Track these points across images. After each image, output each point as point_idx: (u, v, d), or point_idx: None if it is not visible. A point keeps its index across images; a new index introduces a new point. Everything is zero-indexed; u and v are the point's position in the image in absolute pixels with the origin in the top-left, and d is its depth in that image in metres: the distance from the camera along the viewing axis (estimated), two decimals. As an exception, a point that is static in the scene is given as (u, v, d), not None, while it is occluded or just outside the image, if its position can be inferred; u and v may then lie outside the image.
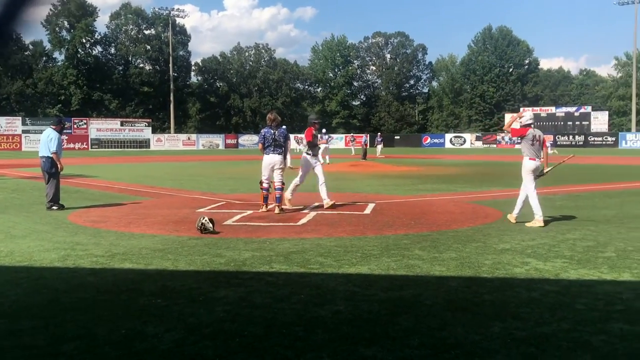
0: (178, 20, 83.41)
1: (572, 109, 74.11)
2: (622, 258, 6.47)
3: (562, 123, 71.14)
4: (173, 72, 79.95)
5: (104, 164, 31.97)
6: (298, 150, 47.06)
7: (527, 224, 8.78)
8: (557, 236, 7.88)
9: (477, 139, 74.33)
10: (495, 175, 21.26)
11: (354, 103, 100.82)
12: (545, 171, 9.35)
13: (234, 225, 8.93)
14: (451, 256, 6.57)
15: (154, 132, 69.91)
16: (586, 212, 10.36)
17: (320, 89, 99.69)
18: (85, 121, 63.16)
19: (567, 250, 6.94)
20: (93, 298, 4.97)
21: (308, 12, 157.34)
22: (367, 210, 10.61)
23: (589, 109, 73.03)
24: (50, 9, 76.19)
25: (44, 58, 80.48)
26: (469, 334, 3.97)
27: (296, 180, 11.18)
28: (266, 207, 10.50)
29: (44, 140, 11.24)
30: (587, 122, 70.16)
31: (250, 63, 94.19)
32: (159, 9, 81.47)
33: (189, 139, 69.98)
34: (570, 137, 67.89)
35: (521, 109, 67.54)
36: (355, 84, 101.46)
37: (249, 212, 10.39)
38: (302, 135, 12.55)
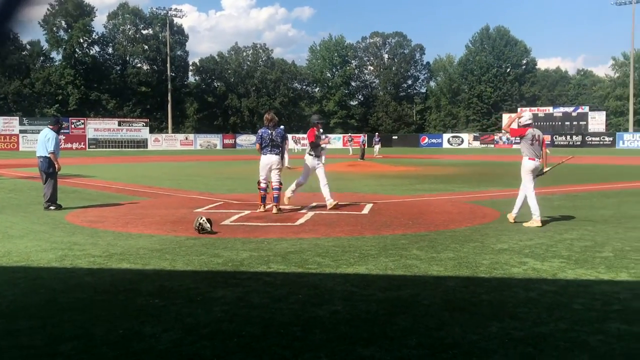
0: (176, 20, 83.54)
1: (569, 109, 74.18)
2: (619, 258, 6.48)
3: (559, 123, 71.22)
4: (171, 72, 79.96)
5: (102, 164, 31.94)
6: (296, 151, 47.23)
7: (525, 224, 8.79)
8: (555, 236, 7.89)
9: (475, 139, 74.44)
10: (493, 175, 21.29)
11: (351, 103, 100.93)
12: (544, 171, 9.36)
13: (231, 226, 8.93)
14: (449, 256, 6.58)
15: (151, 132, 69.95)
16: (584, 212, 10.37)
17: (318, 89, 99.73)
18: (82, 121, 63.15)
19: (565, 250, 6.94)
20: (90, 298, 4.96)
21: (306, 12, 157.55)
22: (365, 210, 10.61)
23: (586, 109, 73.11)
24: (48, 9, 76.25)
25: (42, 58, 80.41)
26: (467, 334, 3.97)
27: (299, 179, 11.13)
28: (264, 207, 10.50)
29: (42, 140, 11.22)
30: (585, 122, 70.23)
31: (248, 63, 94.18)
32: (156, 8, 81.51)
33: (186, 138, 69.98)
34: (568, 137, 67.97)
35: (519, 109, 67.51)
36: (353, 84, 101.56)
37: (247, 212, 10.38)
38: (300, 136, 12.53)
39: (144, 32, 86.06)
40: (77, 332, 4.05)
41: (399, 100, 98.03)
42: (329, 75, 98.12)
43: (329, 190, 10.78)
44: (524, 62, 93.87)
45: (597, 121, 70.61)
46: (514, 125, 9.81)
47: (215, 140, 71.33)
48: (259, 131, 10.75)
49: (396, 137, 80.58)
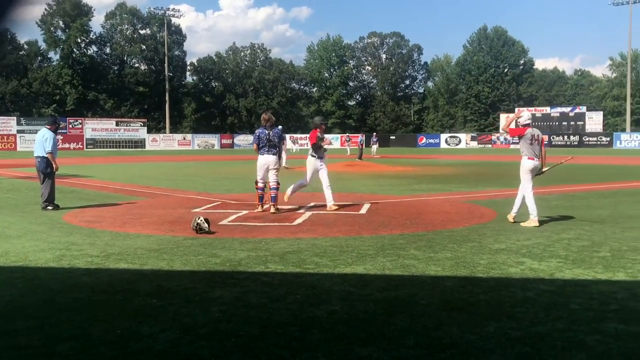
0: (173, 20, 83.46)
1: (566, 109, 74.30)
2: (616, 258, 6.49)
3: (556, 123, 71.30)
4: (168, 72, 79.92)
5: (99, 164, 31.90)
6: (294, 151, 47.16)
7: (522, 224, 8.81)
8: (552, 236, 7.90)
9: (473, 139, 74.50)
10: (491, 175, 21.31)
11: (349, 103, 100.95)
12: (543, 170, 9.37)
13: (229, 225, 8.92)
14: (447, 256, 6.58)
15: (149, 132, 69.88)
16: (581, 212, 10.39)
17: (315, 89, 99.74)
18: (80, 121, 63.05)
19: (562, 250, 6.95)
20: (88, 298, 4.96)
21: (303, 12, 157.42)
22: (363, 210, 10.62)
23: (583, 109, 73.24)
24: (45, 9, 76.25)
25: (39, 58, 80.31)
26: (465, 334, 3.98)
27: (302, 181, 11.05)
28: (262, 207, 10.49)
29: (39, 140, 11.20)
30: (582, 122, 70.34)
31: (246, 63, 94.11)
32: (154, 8, 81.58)
33: (184, 138, 69.93)
34: (565, 137, 68.07)
35: (516, 109, 67.62)
36: (351, 84, 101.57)
37: (245, 212, 10.38)
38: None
39: (142, 32, 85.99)
40: (74, 332, 4.05)
41: (397, 101, 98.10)
42: (326, 75, 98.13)
43: (332, 192, 10.76)
44: (522, 62, 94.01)
45: (594, 121, 70.73)
46: (513, 125, 9.82)
47: (213, 140, 71.29)
48: (256, 131, 10.75)
49: (394, 137, 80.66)
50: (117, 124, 65.44)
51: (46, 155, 11.06)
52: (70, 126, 61.16)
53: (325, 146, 11.12)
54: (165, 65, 79.43)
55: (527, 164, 9.09)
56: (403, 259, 6.40)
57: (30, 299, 4.95)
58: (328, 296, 4.97)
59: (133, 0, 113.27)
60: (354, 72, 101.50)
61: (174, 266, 6.11)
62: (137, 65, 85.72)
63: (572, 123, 70.78)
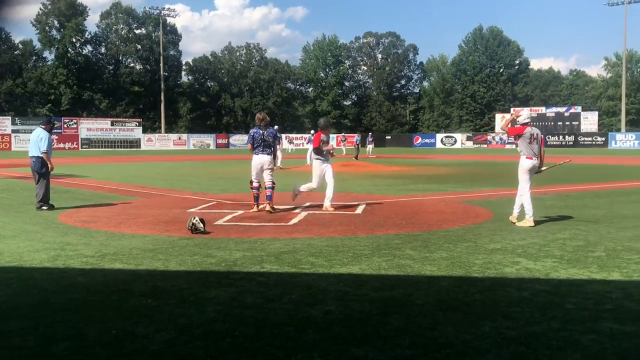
0: (169, 19, 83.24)
1: (562, 109, 74.46)
2: (611, 257, 6.52)
3: (552, 123, 71.45)
4: (164, 72, 79.70)
5: (95, 163, 31.82)
6: (290, 151, 47.12)
7: (518, 224, 8.82)
8: (548, 236, 7.92)
9: (468, 139, 74.60)
10: (486, 175, 21.36)
11: (345, 103, 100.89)
12: (542, 169, 9.38)
13: (225, 225, 8.91)
14: (442, 256, 6.59)
15: (144, 131, 69.71)
16: (576, 212, 10.42)
17: (311, 88, 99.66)
18: (75, 121, 62.86)
19: (557, 249, 6.97)
20: (83, 298, 4.95)
21: (299, 12, 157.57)
22: (359, 210, 10.62)
23: (579, 109, 73.41)
24: (40, 8, 76.01)
25: (34, 57, 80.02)
26: (460, 334, 3.98)
27: (311, 184, 10.93)
28: (257, 207, 10.48)
29: (34, 140, 11.17)
30: (577, 122, 70.52)
31: (242, 63, 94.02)
32: (149, 8, 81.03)
33: (179, 138, 69.77)
34: (560, 137, 68.24)
35: (512, 109, 67.78)
36: (347, 83, 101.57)
37: (240, 212, 10.37)
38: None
39: (137, 31, 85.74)
40: (69, 332, 4.04)
41: (393, 100, 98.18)
42: (322, 75, 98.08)
43: (333, 193, 10.73)
44: (517, 62, 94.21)
45: (589, 121, 70.91)
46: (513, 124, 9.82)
47: (209, 140, 71.17)
48: (251, 131, 10.75)
49: (389, 137, 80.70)
50: (112, 124, 65.26)
51: (41, 155, 11.03)
52: (65, 126, 60.97)
53: (325, 151, 11.01)
54: (161, 64, 79.26)
55: (525, 164, 9.08)
56: (399, 259, 6.41)
57: (24, 299, 4.93)
58: (324, 296, 4.97)
59: (128, 0, 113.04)
60: (349, 72, 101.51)
61: (169, 266, 6.09)
62: (132, 65, 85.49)
63: (567, 123, 70.95)
